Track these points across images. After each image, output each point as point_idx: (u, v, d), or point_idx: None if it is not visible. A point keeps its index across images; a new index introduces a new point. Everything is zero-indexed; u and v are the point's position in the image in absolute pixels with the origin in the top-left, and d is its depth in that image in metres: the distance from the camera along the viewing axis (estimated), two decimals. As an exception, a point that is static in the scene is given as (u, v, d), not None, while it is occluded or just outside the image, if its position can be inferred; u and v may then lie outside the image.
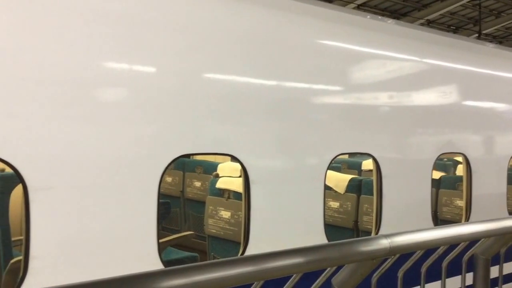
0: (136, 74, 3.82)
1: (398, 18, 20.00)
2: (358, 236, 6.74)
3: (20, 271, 3.26)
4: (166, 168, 3.81)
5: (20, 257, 4.44)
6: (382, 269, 3.21)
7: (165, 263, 3.77)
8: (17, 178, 4.50)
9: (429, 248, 3.33)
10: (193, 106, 4.02)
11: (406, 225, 4.84)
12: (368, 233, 5.87)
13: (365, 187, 6.98)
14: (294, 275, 2.79)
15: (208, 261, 2.60)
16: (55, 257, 3.34)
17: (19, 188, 5.06)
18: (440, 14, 20.90)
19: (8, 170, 4.89)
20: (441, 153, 5.85)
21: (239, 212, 5.60)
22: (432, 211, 5.67)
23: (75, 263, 3.40)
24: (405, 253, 3.18)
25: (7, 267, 4.52)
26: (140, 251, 3.68)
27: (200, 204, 7.85)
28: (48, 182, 3.30)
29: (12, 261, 4.50)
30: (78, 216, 3.43)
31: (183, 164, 8.60)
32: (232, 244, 5.55)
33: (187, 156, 4.14)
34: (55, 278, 3.24)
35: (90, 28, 3.59)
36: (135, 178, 3.68)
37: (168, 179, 8.70)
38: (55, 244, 3.34)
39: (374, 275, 3.26)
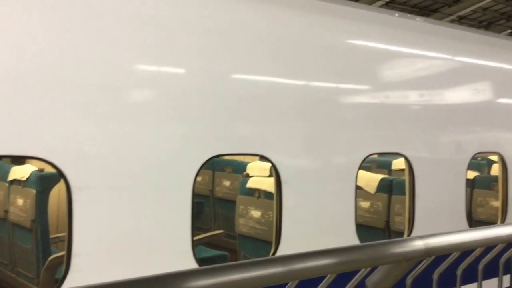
0: (173, 76, 3.89)
1: (428, 15, 19.73)
2: (389, 237, 6.68)
3: (63, 268, 3.35)
4: (200, 168, 3.86)
5: (58, 254, 4.56)
6: (417, 270, 3.18)
7: (198, 261, 3.82)
8: (56, 177, 4.61)
9: (465, 250, 3.28)
10: (225, 107, 4.06)
11: (440, 226, 4.78)
12: (400, 233, 5.81)
13: (396, 187, 6.91)
14: (328, 276, 2.78)
15: (242, 261, 2.61)
16: (96, 254, 3.44)
17: (57, 188, 5.22)
18: (472, 10, 20.55)
19: (47, 170, 5.05)
20: (476, 152, 5.76)
21: (270, 212, 5.61)
22: (466, 212, 5.59)
23: (115, 260, 3.50)
24: (440, 255, 3.13)
25: (46, 264, 4.64)
26: (175, 248, 3.75)
27: (229, 203, 7.88)
28: (90, 182, 3.39)
29: (50, 258, 4.62)
30: (118, 215, 3.52)
31: (213, 164, 8.64)
32: (263, 244, 5.56)
33: (219, 156, 4.18)
34: (96, 275, 3.32)
35: (130, 33, 3.67)
36: (171, 178, 3.76)
37: (198, 178, 8.74)
38: (96, 241, 3.44)
39: (409, 276, 3.22)
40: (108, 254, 3.49)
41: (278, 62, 4.45)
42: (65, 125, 3.37)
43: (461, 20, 20.48)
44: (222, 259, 6.01)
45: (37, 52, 3.33)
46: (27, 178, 5.30)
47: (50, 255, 4.79)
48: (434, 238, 3.02)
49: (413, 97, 5.40)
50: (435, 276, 3.47)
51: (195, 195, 3.85)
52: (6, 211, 5.60)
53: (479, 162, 9.42)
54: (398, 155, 5.36)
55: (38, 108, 3.30)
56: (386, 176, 7.85)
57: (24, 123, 3.24)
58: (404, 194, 5.38)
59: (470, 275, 3.75)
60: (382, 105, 5.12)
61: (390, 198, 6.97)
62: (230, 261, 6.07)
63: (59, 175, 3.33)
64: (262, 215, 5.79)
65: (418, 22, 6.31)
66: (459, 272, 3.61)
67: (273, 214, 4.37)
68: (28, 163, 5.70)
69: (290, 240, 4.28)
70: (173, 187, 3.78)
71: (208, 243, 6.45)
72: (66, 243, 3.36)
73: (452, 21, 19.83)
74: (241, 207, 6.13)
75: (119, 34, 3.65)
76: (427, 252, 2.95)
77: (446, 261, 3.33)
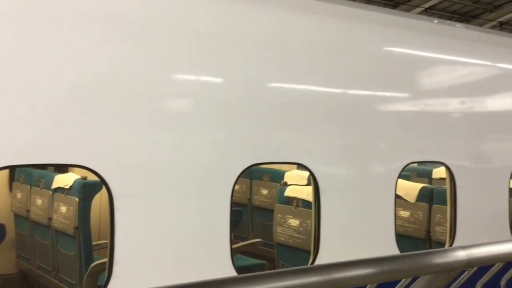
0: (212, 85, 3.95)
1: (468, 21, 19.40)
2: (430, 247, 6.57)
3: (105, 274, 3.42)
4: (239, 176, 3.88)
5: (100, 261, 4.65)
6: (459, 281, 3.12)
7: (237, 269, 3.84)
8: (98, 185, 4.70)
9: (509, 261, 3.20)
10: (264, 115, 4.08)
11: (482, 236, 4.68)
12: (442, 243, 5.71)
13: (437, 196, 6.79)
14: (368, 286, 2.75)
15: (280, 269, 2.62)
16: (137, 261, 3.49)
17: (98, 196, 5.34)
18: (514, 16, 20.12)
19: (90, 178, 5.17)
20: None
21: (308, 221, 5.59)
22: (510, 222, 5.46)
23: (156, 268, 3.54)
24: (483, 265, 3.07)
25: (88, 270, 4.73)
26: (215, 256, 3.78)
27: (267, 211, 7.89)
28: (132, 191, 3.45)
29: (93, 264, 4.70)
30: (158, 223, 3.57)
31: (250, 172, 8.67)
32: (301, 253, 5.54)
33: (258, 165, 4.20)
34: (137, 282, 3.39)
35: (169, 45, 3.74)
36: (211, 186, 3.80)
37: (236, 186, 8.77)
38: (137, 249, 3.50)
39: (451, 287, 3.17)
40: (149, 261, 3.54)
41: (320, 69, 4.45)
42: (108, 135, 3.45)
43: (503, 26, 20.05)
44: (260, 267, 6.01)
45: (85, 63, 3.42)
46: (71, 186, 5.42)
47: (92, 261, 4.88)
48: (477, 248, 2.97)
49: (453, 104, 5.32)
50: (478, 287, 3.40)
51: (233, 203, 3.88)
52: (50, 219, 5.74)
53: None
54: (439, 164, 5.27)
55: (83, 118, 3.38)
56: (426, 185, 7.73)
57: (68, 133, 3.33)
58: (445, 203, 5.29)
59: None
60: (422, 112, 5.06)
61: (431, 207, 6.86)
62: (268, 270, 6.09)
63: (102, 183, 3.40)
64: (300, 224, 5.77)
65: (459, 28, 6.23)
66: (502, 283, 3.54)
67: (312, 223, 4.36)
68: (70, 171, 5.84)
69: (329, 249, 4.25)
70: (213, 195, 3.82)
71: (246, 251, 6.46)
72: (108, 250, 3.43)
73: (494, 27, 19.44)
74: (279, 215, 6.13)
75: (161, 48, 3.72)
76: (469, 262, 2.90)
77: (489, 272, 3.27)
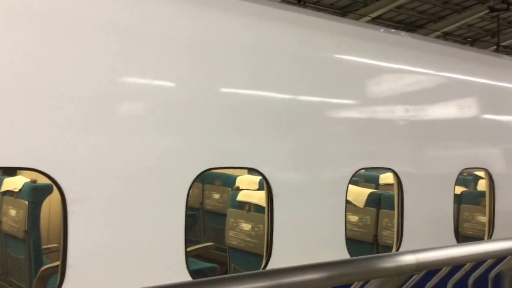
0: (166, 90, 3.94)
1: (413, 31, 19.95)
2: (378, 250, 6.73)
3: (58, 278, 3.36)
4: (194, 181, 3.90)
5: (50, 265, 4.56)
6: (408, 285, 3.23)
7: (190, 272, 3.85)
8: (48, 189, 4.60)
9: (456, 265, 3.34)
10: (218, 120, 4.11)
11: (428, 240, 4.84)
12: (388, 247, 5.87)
13: (384, 202, 6.98)
14: (320, 290, 2.81)
15: (233, 274, 2.65)
16: (91, 266, 3.45)
17: (48, 199, 5.22)
18: (457, 26, 20.80)
19: (40, 181, 5.05)
20: (463, 168, 5.85)
21: (260, 225, 5.64)
22: (454, 227, 5.66)
23: (110, 272, 3.51)
24: (431, 269, 3.19)
25: (38, 274, 4.64)
26: (170, 260, 3.78)
27: (219, 216, 7.90)
28: (87, 194, 3.41)
29: (43, 268, 4.62)
30: (113, 227, 3.54)
31: (202, 177, 8.65)
32: (253, 256, 5.59)
33: (212, 169, 4.22)
34: (90, 286, 3.34)
35: (123, 48, 3.71)
36: (166, 191, 3.79)
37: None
38: (90, 253, 3.45)
39: None
40: (103, 266, 3.50)
41: (272, 75, 4.51)
42: (61, 138, 3.39)
43: (447, 36, 20.71)
44: (212, 271, 6.03)
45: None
46: (20, 189, 5.30)
47: (42, 265, 4.79)
48: (426, 253, 3.07)
49: (401, 112, 5.46)
50: None
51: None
52: None
53: (465, 177, 9.54)
54: (387, 170, 5.42)
55: (32, 120, 3.31)
56: (374, 190, 7.93)
57: (18, 135, 3.26)
58: (392, 208, 5.44)
59: None
60: (371, 119, 5.19)
61: (379, 212, 7.04)
62: (220, 274, 6.11)
63: (55, 186, 3.35)
64: (252, 228, 5.82)
65: (405, 37, 6.41)
66: (449, 286, 3.67)
67: (264, 227, 4.40)
68: (19, 175, 5.70)
69: (281, 253, 4.31)
70: (168, 200, 3.81)
71: (198, 255, 6.46)
72: (60, 254, 3.37)
73: (438, 37, 20.06)
74: (231, 220, 6.16)
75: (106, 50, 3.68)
76: (418, 266, 3.00)
77: (436, 275, 3.39)
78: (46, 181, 3.47)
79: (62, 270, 3.34)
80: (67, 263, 3.33)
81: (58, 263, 3.49)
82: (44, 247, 5.21)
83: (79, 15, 3.56)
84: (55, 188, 3.37)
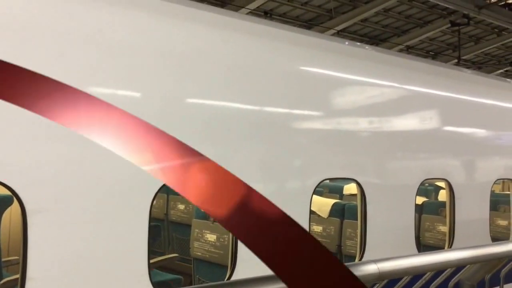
0: (132, 100, 3.92)
1: (377, 44, 20.33)
2: (342, 260, 6.78)
3: None
4: (158, 192, 3.86)
5: (10, 278, 4.44)
6: None
7: (154, 285, 3.81)
8: (8, 201, 4.49)
9: (417, 274, 3.40)
10: (181, 130, 4.08)
11: (390, 250, 4.91)
12: (352, 257, 5.93)
13: (348, 212, 7.05)
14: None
15: (197, 285, 2.64)
16: (52, 278, 3.38)
17: (8, 211, 5.09)
18: (420, 40, 21.28)
19: (0, 192, 4.93)
20: (424, 178, 5.95)
21: (225, 236, 5.62)
22: (415, 237, 5.75)
23: (71, 285, 3.44)
24: (393, 278, 3.24)
25: None
26: (132, 272, 3.73)
27: (183, 226, 7.85)
28: (47, 206, 3.34)
29: (3, 281, 4.50)
30: (74, 238, 3.47)
31: (167, 187, 8.58)
32: (218, 267, 5.56)
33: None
34: None
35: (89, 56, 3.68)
36: (129, 202, 3.74)
37: (152, 201, 8.67)
38: (51, 265, 3.38)
39: None
40: (63, 278, 3.44)
41: (235, 87, 4.52)
42: (19, 148, 3.32)
43: (409, 50, 21.15)
44: (177, 282, 5.98)
45: None
46: None
47: (1, 278, 4.66)
48: (387, 262, 3.13)
49: (364, 123, 5.53)
50: None
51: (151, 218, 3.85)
52: None
53: (427, 188, 9.73)
54: (351, 180, 5.48)
55: None
56: (338, 200, 8.00)
57: None
58: (355, 218, 5.49)
59: None
60: (335, 131, 5.24)
61: (342, 222, 7.11)
62: (185, 285, 6.05)
63: (15, 198, 3.28)
64: (217, 238, 5.80)
65: (368, 50, 6.52)
66: None
67: (229, 238, 4.39)
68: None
69: (246, 264, 4.30)
70: (131, 211, 3.77)
71: (162, 266, 6.40)
72: (20, 266, 3.30)
73: (401, 50, 20.48)
74: (196, 230, 6.13)
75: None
76: (380, 276, 3.05)
77: (397, 285, 3.44)
78: (6, 192, 3.39)
79: (21, 283, 3.27)
80: (27, 275, 3.26)
81: (18, 275, 3.41)
82: (4, 259, 5.07)
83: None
84: (15, 200, 3.30)
